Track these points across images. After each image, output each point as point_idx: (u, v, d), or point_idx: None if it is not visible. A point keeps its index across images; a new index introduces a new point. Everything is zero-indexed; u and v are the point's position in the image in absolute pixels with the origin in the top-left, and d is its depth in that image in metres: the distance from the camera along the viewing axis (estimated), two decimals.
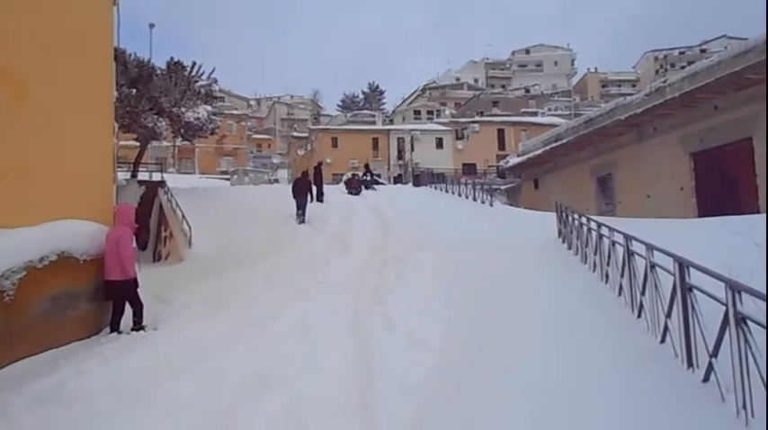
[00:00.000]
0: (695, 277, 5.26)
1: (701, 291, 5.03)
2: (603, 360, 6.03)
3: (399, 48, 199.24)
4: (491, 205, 23.13)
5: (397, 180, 48.99)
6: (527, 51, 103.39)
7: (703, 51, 78.99)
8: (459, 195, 25.56)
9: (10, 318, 6.52)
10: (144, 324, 8.11)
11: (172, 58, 24.82)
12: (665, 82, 22.79)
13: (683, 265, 5.42)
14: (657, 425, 4.47)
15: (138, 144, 26.08)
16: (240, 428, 5.00)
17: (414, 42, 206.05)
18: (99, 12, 9.00)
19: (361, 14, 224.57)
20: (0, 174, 7.33)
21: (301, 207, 18.69)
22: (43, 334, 7.01)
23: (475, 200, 23.96)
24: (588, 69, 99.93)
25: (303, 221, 18.37)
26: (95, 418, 5.00)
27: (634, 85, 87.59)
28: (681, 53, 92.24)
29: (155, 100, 22.59)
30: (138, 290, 8.28)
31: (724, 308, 4.43)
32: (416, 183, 34.31)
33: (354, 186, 26.73)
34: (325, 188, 23.05)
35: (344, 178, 41.21)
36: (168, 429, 4.92)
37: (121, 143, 20.24)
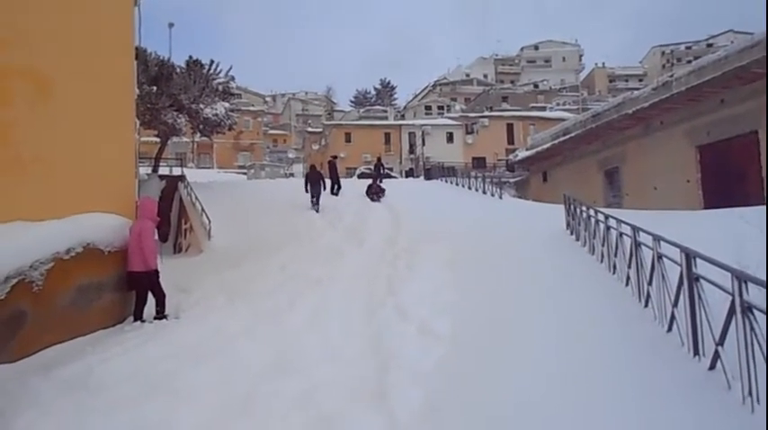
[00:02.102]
0: (701, 267, 5.23)
1: (708, 280, 5.00)
2: (611, 348, 6.01)
3: (424, 36, 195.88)
4: (500, 198, 23.04)
5: (409, 174, 48.93)
6: (536, 47, 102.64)
7: (710, 46, 77.86)
8: (470, 188, 25.48)
9: (39, 306, 6.61)
10: (166, 313, 8.20)
11: (191, 57, 24.92)
12: (671, 76, 22.56)
13: (689, 256, 5.39)
14: (664, 412, 4.45)
15: (158, 140, 26.23)
16: (259, 413, 5.04)
17: (438, 31, 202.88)
18: (120, 12, 9.05)
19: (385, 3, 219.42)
20: (26, 169, 7.44)
21: (315, 196, 19.23)
22: (70, 322, 7.10)
23: (485, 193, 23.88)
24: (596, 64, 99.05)
25: (317, 210, 18.79)
26: (121, 403, 5.06)
27: (641, 80, 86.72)
28: (688, 48, 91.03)
29: (174, 97, 22.70)
30: (160, 280, 8.36)
31: (730, 297, 4.40)
32: (428, 177, 34.24)
33: (375, 191, 21.98)
34: (341, 182, 23.09)
35: (357, 172, 41.24)
36: (190, 413, 4.96)
37: (143, 139, 20.37)
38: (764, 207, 9.14)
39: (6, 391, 5.36)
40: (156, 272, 8.28)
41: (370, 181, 27.84)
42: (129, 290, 8.25)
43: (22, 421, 4.72)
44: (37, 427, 4.62)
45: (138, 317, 8.08)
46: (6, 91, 7.49)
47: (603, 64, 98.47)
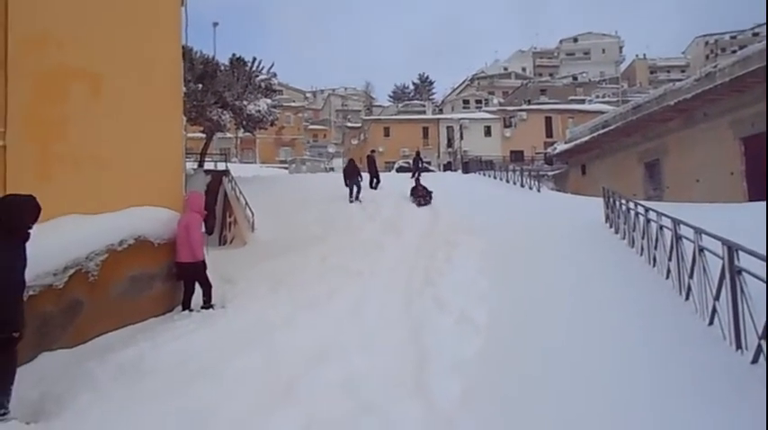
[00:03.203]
0: (744, 260, 5.09)
1: (751, 273, 4.86)
2: (651, 341, 5.90)
3: (476, 25, 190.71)
4: (538, 191, 22.75)
5: (447, 167, 48.65)
6: (575, 40, 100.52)
7: (756, 35, 74.78)
8: (507, 181, 25.23)
9: (94, 295, 6.85)
10: (213, 303, 8.37)
11: (234, 55, 25.31)
12: (715, 66, 21.86)
13: (731, 249, 5.25)
14: (706, 405, 4.36)
15: (203, 136, 26.73)
16: (301, 398, 5.14)
17: (491, 19, 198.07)
18: (168, 13, 9.23)
19: None
20: (81, 165, 7.69)
21: (352, 188, 19.56)
22: (123, 311, 7.32)
23: (522, 186, 23.61)
24: (636, 56, 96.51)
25: (355, 200, 19.21)
26: (170, 387, 5.21)
27: (683, 71, 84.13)
28: (732, 37, 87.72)
29: (219, 94, 23.08)
30: (207, 271, 8.54)
31: None
32: (465, 171, 34.01)
33: (421, 194, 19.19)
34: (380, 176, 23.09)
35: (396, 166, 41.19)
36: (235, 398, 5.09)
37: (189, 135, 20.77)
38: None
39: (65, 375, 5.58)
40: (203, 263, 8.45)
41: (408, 174, 27.82)
42: (178, 280, 8.45)
43: (79, 403, 4.90)
44: (92, 409, 4.80)
45: (187, 306, 8.27)
46: (62, 90, 7.74)
47: (644, 55, 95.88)
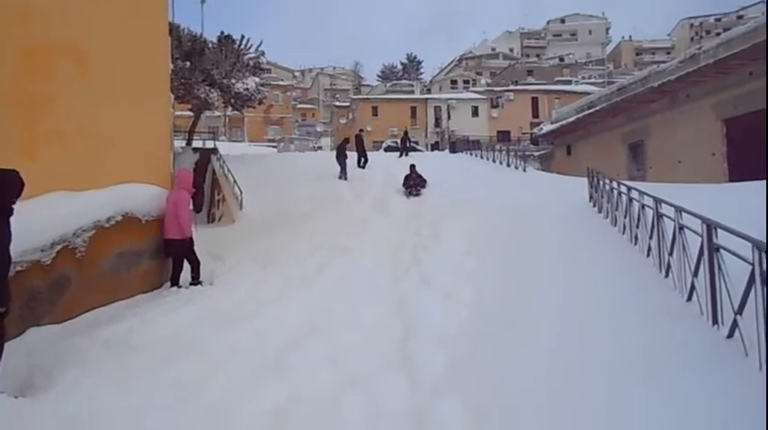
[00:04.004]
0: (722, 239, 5.15)
1: (728, 251, 4.92)
2: (630, 316, 5.97)
3: (466, 6, 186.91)
4: (524, 171, 22.80)
5: (434, 147, 48.57)
6: (562, 21, 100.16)
7: (740, 18, 74.90)
8: (494, 161, 25.24)
9: (82, 272, 6.80)
10: (201, 279, 8.36)
11: (222, 32, 24.98)
12: (699, 48, 21.88)
13: (710, 226, 5.30)
14: (681, 378, 4.44)
15: (192, 114, 26.49)
16: (289, 371, 5.17)
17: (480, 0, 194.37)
18: None
19: None
20: (68, 141, 7.58)
21: (343, 167, 19.73)
22: (111, 286, 7.29)
23: (509, 166, 23.64)
24: (623, 37, 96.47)
25: (345, 178, 19.39)
26: (159, 363, 5.22)
27: (668, 53, 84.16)
28: (717, 20, 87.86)
29: (207, 72, 22.82)
30: (195, 248, 8.50)
31: (750, 267, 4.33)
32: (453, 150, 33.93)
33: (414, 184, 17.03)
34: (368, 155, 23.01)
35: (384, 146, 41.04)
36: (224, 372, 5.10)
37: (177, 113, 20.48)
38: None
39: (54, 349, 5.56)
40: (191, 239, 8.42)
41: (396, 154, 27.69)
42: (166, 256, 8.42)
43: (68, 377, 4.88)
44: (81, 383, 4.78)
45: (175, 282, 8.25)
46: (48, 66, 7.59)
47: (630, 37, 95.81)
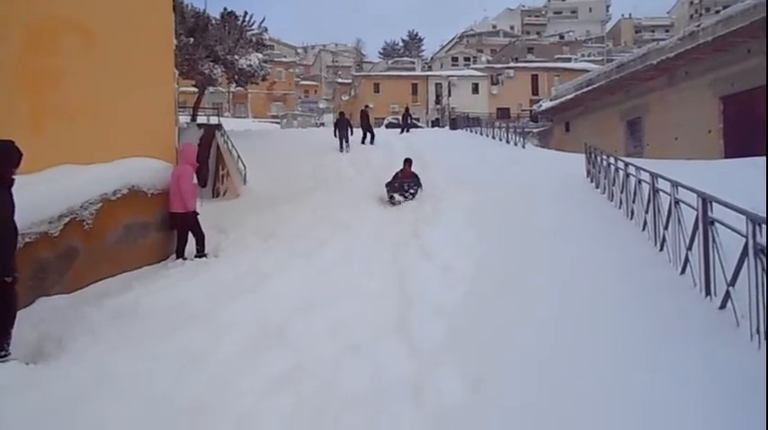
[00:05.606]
0: (717, 212, 5.13)
1: (723, 224, 4.91)
2: (624, 288, 5.99)
3: None
4: (523, 147, 22.64)
5: (435, 124, 48.32)
6: None
7: None
8: (494, 138, 25.07)
9: (90, 243, 6.82)
10: (206, 252, 8.37)
11: (225, 8, 24.71)
12: (698, 26, 21.58)
13: (705, 200, 5.29)
14: (674, 347, 4.46)
15: (196, 90, 26.33)
16: (291, 343, 5.20)
17: None
18: None
19: None
20: (74, 116, 7.55)
21: (343, 139, 20.04)
22: (118, 258, 7.32)
23: (508, 142, 23.48)
24: (622, 15, 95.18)
25: (347, 150, 19.74)
26: (165, 331, 5.25)
27: (668, 31, 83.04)
28: None
29: (210, 48, 22.61)
30: (199, 221, 8.50)
31: (744, 240, 4.33)
32: (453, 127, 33.74)
33: (399, 188, 12.32)
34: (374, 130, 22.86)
35: (385, 122, 40.68)
36: (228, 342, 5.14)
37: (181, 89, 20.40)
38: None
39: (63, 318, 5.60)
40: (195, 213, 8.41)
41: (397, 130, 27.52)
42: (171, 229, 8.43)
43: (77, 345, 4.94)
44: (90, 351, 4.83)
45: (180, 255, 8.27)
46: (54, 41, 7.53)
47: (630, 15, 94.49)
